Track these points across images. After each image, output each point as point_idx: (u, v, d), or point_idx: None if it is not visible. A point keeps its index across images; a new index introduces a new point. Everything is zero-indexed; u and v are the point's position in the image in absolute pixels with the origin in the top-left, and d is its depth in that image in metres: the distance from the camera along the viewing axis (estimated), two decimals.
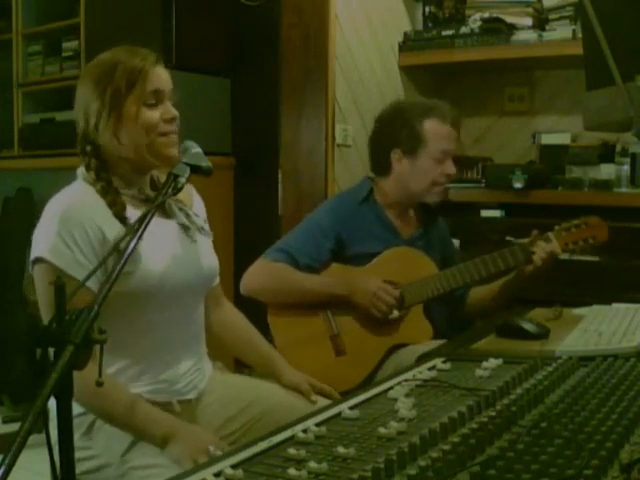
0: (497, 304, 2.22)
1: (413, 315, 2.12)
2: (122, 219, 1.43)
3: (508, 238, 2.12)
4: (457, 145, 2.23)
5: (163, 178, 1.54)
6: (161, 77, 1.49)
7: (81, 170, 1.51)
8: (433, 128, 2.15)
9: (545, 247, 2.06)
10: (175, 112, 1.49)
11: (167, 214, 1.54)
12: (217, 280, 1.68)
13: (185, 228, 1.55)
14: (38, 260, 1.40)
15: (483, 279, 2.14)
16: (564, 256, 2.14)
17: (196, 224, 1.58)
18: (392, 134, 2.19)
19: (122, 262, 1.12)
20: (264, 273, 2.13)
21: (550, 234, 2.09)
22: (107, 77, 1.45)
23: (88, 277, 1.13)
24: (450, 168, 2.17)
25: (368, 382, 2.02)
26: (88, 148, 1.48)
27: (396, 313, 2.09)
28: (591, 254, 2.07)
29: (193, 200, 1.64)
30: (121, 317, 1.42)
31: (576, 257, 2.11)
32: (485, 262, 2.10)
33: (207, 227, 1.64)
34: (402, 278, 2.12)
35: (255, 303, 2.15)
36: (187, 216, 1.57)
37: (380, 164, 2.23)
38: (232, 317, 1.76)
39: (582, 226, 2.08)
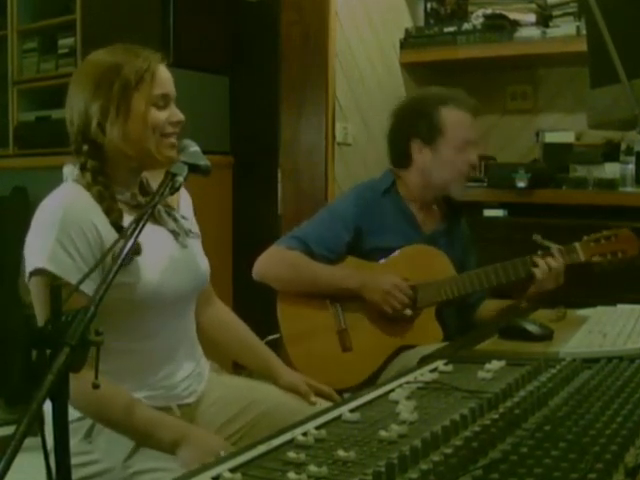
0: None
1: (425, 317, 2.08)
2: (118, 228, 1.39)
3: (535, 237, 2.07)
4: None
5: (154, 182, 1.52)
6: (167, 79, 1.47)
7: (70, 170, 1.46)
8: (450, 116, 2.10)
9: (549, 263, 1.99)
10: (181, 116, 1.47)
11: (157, 221, 1.50)
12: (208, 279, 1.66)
13: (175, 234, 1.52)
14: (38, 271, 1.34)
15: (500, 286, 2.09)
16: None
17: (184, 228, 1.55)
18: (409, 124, 2.14)
19: (119, 262, 1.10)
20: (277, 260, 2.09)
21: (577, 245, 2.03)
22: (114, 74, 1.41)
23: (81, 281, 1.10)
24: (473, 157, 2.12)
25: (372, 381, 1.99)
26: (85, 147, 1.43)
27: (408, 312, 2.06)
28: (618, 267, 2.02)
29: (180, 198, 1.60)
30: (118, 326, 1.39)
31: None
32: (505, 269, 2.05)
33: (195, 228, 1.61)
34: (417, 277, 2.08)
35: (256, 298, 2.14)
36: (175, 221, 1.54)
37: (400, 156, 2.19)
38: (226, 317, 1.74)
39: (612, 238, 2.01)
